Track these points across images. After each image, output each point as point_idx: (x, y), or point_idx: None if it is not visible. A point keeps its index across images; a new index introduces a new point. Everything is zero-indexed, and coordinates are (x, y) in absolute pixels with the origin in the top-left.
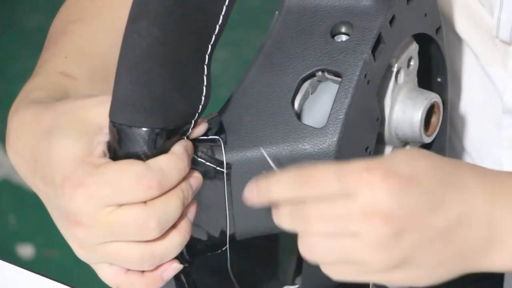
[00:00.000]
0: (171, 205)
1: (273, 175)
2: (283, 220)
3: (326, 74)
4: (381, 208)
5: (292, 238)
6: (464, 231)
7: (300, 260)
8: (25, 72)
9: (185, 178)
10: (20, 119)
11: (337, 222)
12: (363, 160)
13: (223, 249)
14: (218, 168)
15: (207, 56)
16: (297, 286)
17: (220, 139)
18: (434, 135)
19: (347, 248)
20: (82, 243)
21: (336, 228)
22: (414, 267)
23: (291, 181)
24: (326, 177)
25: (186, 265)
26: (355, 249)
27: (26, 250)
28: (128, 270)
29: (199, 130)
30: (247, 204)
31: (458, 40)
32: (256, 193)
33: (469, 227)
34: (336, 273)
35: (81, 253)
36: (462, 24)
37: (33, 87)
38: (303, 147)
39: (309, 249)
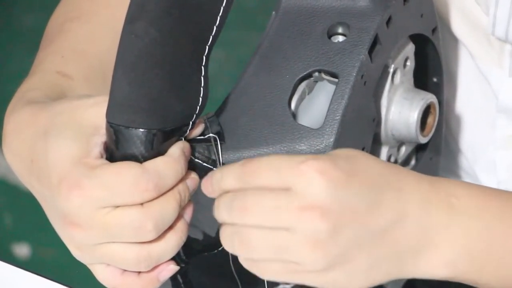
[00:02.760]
0: (168, 207)
1: (226, 166)
2: (221, 210)
3: (323, 75)
4: (318, 202)
5: None
6: (398, 233)
7: None
8: (21, 72)
9: (182, 179)
10: (17, 119)
11: (272, 214)
12: (305, 154)
13: (220, 248)
14: (214, 168)
15: (204, 57)
16: (292, 285)
17: (217, 139)
18: (430, 135)
19: (282, 243)
20: (78, 244)
21: (271, 221)
22: (348, 268)
23: (237, 172)
24: (266, 168)
25: (183, 265)
26: (289, 244)
27: (22, 250)
28: (125, 271)
29: (197, 131)
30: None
31: (454, 39)
32: (210, 184)
33: (403, 229)
34: (268, 272)
35: (77, 253)
36: (458, 24)
37: (30, 87)
38: (300, 147)
39: (243, 242)
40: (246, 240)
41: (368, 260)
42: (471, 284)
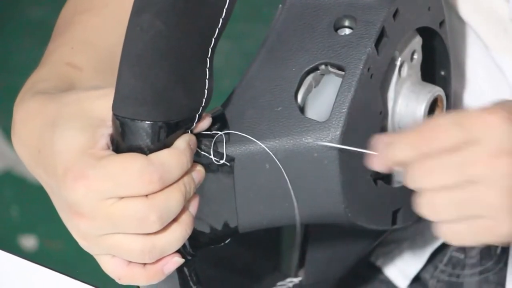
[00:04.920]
0: (173, 199)
1: (393, 138)
2: (410, 179)
3: (329, 68)
4: (508, 148)
5: (294, 230)
6: None
7: (303, 252)
8: (28, 64)
9: (187, 171)
10: (25, 110)
11: (461, 169)
12: (477, 108)
13: (226, 242)
14: (221, 161)
15: (210, 50)
16: (300, 278)
17: (222, 136)
18: None
19: (472, 196)
20: (84, 235)
21: (459, 176)
22: None
23: (414, 140)
24: (448, 128)
25: (189, 258)
26: (480, 195)
27: (28, 241)
28: (130, 262)
29: (203, 124)
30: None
31: (464, 29)
32: (379, 158)
33: None
34: (452, 235)
35: (84, 244)
36: (471, 13)
37: (39, 77)
38: (306, 140)
39: (430, 207)
40: (432, 204)
41: None
42: None
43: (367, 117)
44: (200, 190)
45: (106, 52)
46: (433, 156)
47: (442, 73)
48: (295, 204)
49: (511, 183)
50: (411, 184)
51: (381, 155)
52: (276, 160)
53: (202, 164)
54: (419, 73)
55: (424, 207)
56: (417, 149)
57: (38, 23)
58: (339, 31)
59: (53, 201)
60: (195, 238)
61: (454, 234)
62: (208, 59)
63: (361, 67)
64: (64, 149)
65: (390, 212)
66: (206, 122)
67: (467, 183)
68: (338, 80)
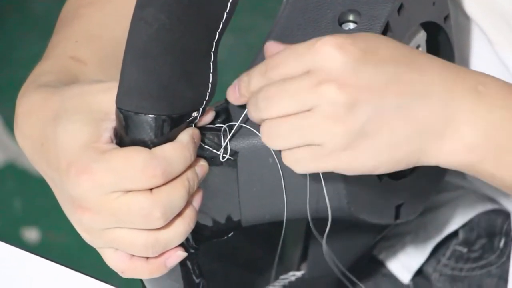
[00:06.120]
0: (176, 193)
1: (252, 69)
2: (251, 111)
3: None
4: (334, 74)
5: (298, 225)
6: (420, 110)
7: (306, 246)
8: (31, 57)
9: (191, 166)
10: (28, 103)
11: (294, 98)
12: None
13: (229, 235)
14: (224, 155)
15: (214, 43)
16: (302, 272)
17: (226, 130)
18: None
19: (305, 124)
20: (87, 228)
21: (294, 105)
22: (370, 144)
23: (261, 69)
24: (287, 56)
25: (192, 251)
26: (311, 124)
27: (31, 234)
28: (133, 256)
29: (207, 118)
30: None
31: (469, 25)
32: (236, 90)
33: (426, 108)
34: (296, 162)
35: (87, 237)
36: (474, 8)
37: (42, 71)
38: None
39: (270, 134)
40: (274, 131)
41: (390, 137)
42: (486, 178)
43: None
44: (204, 184)
45: (111, 45)
46: (274, 84)
47: None
48: (286, 199)
49: (336, 109)
50: (254, 114)
51: (239, 86)
52: (273, 154)
53: (206, 158)
54: None
55: (265, 135)
56: (263, 77)
57: (41, 16)
58: (343, 25)
59: (55, 195)
60: (198, 231)
61: (297, 162)
62: (212, 53)
63: None
64: (67, 143)
65: (393, 207)
66: (209, 116)
67: (302, 110)
68: None
